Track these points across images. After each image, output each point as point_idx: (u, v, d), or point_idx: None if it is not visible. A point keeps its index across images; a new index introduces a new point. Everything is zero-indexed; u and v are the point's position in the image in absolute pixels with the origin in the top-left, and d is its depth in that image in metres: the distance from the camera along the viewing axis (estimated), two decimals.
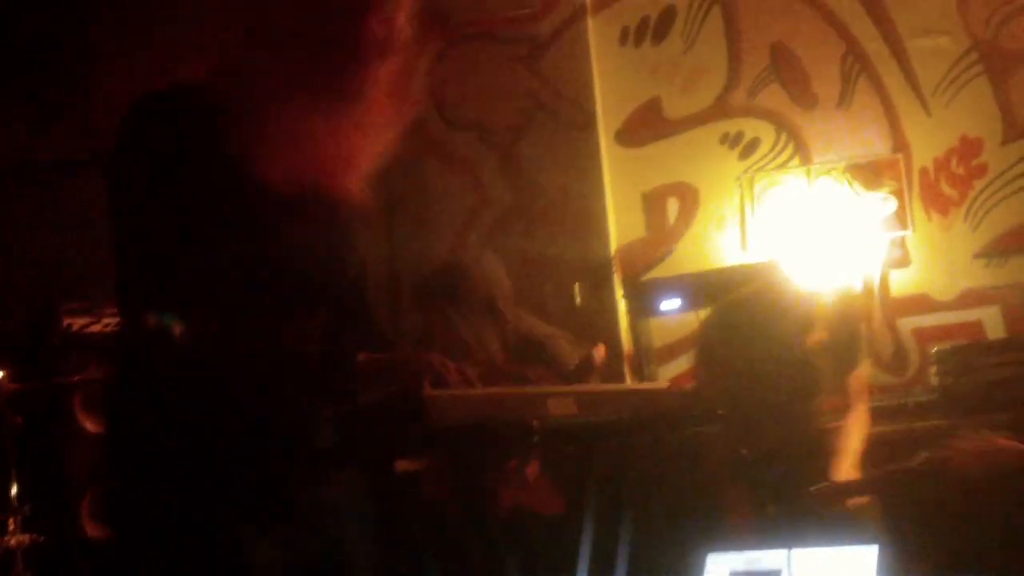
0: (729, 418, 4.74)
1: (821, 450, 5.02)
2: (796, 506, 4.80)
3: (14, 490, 5.63)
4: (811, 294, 5.06)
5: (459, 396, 2.52)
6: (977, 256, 6.80)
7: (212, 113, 2.48)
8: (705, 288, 6.57)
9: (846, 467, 5.02)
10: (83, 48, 7.46)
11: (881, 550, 4.06)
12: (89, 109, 7.25)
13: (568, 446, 3.36)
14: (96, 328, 6.28)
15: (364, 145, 2.57)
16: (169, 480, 2.49)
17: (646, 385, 4.75)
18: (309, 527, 2.62)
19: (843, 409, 5.19)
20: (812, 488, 4.86)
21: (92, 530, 6.14)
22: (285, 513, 2.58)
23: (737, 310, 5.15)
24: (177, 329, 2.45)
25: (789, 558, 4.09)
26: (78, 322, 6.28)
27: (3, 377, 5.66)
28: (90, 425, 6.17)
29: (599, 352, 5.11)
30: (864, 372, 5.28)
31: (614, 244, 7.18)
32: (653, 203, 7.26)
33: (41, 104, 7.48)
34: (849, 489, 4.94)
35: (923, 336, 6.79)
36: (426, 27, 2.62)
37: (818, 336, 5.03)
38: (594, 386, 3.00)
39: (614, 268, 7.13)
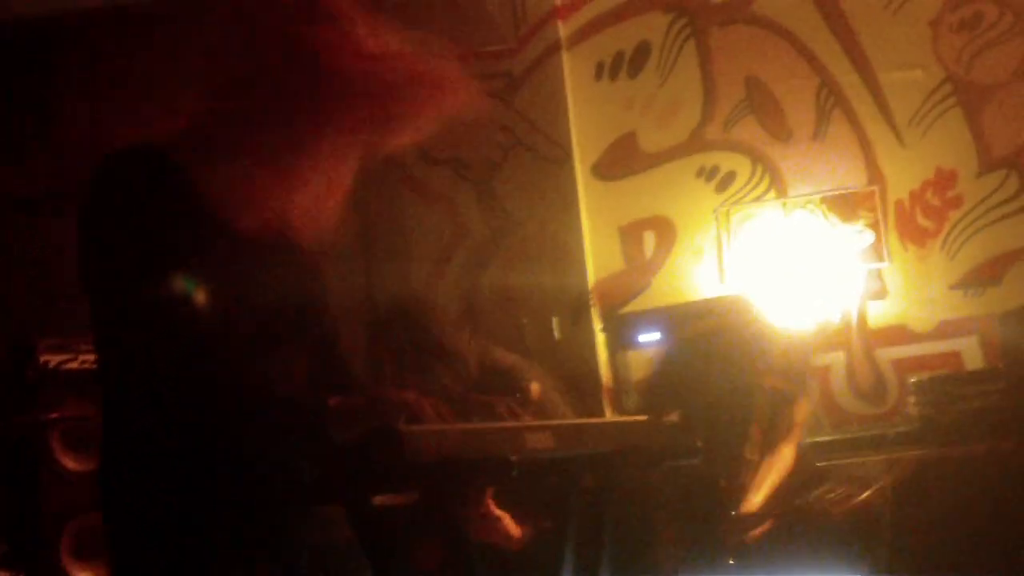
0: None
1: (742, 480, 5.06)
2: (708, 545, 4.85)
3: None
4: (767, 327, 5.07)
5: (436, 431, 2.51)
6: (954, 287, 6.82)
7: (175, 165, 2.49)
8: (683, 321, 6.58)
9: (755, 500, 5.05)
10: (48, 88, 7.47)
11: None
12: (57, 147, 7.26)
13: (546, 480, 3.37)
14: (74, 365, 6.24)
15: (333, 186, 2.57)
16: (153, 518, 2.50)
17: (625, 418, 4.74)
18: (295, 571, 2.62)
19: (773, 443, 5.22)
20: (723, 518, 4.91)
21: (71, 567, 6.11)
22: (269, 555, 2.58)
23: (693, 344, 5.17)
24: (152, 369, 2.46)
25: None
26: (55, 359, 6.25)
27: None
28: (68, 461, 6.15)
29: (535, 388, 5.09)
30: (803, 408, 5.30)
31: (592, 277, 7.19)
32: (630, 236, 7.27)
33: (10, 141, 7.47)
34: (750, 522, 4.97)
35: (902, 367, 6.81)
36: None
37: (768, 367, 5.05)
38: (573, 420, 3.00)
39: (592, 301, 7.13)
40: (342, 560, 2.72)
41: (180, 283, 2.46)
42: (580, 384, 6.71)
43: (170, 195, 2.48)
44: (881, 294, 6.91)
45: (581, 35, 7.35)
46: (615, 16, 7.34)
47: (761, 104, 7.15)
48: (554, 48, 7.31)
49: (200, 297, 2.46)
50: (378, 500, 2.65)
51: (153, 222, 2.48)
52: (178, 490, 2.49)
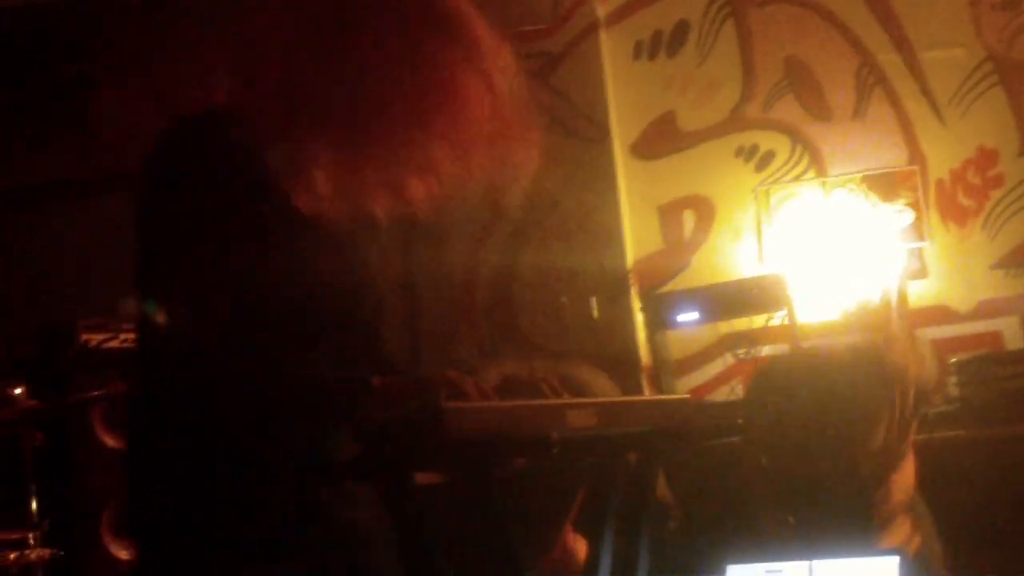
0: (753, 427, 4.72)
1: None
2: (819, 517, 4.77)
3: (34, 505, 5.65)
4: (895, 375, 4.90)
5: (477, 408, 2.51)
6: (995, 267, 6.79)
7: (238, 138, 2.48)
8: (721, 300, 6.58)
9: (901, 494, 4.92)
10: (82, 73, 7.51)
11: (902, 560, 4.04)
12: (91, 131, 7.29)
13: (587, 458, 3.36)
14: (114, 344, 6.28)
15: (391, 174, 2.57)
16: (189, 501, 2.50)
17: (667, 396, 4.73)
18: (334, 552, 2.63)
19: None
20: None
21: (112, 545, 6.15)
22: (308, 536, 2.59)
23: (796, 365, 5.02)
24: (201, 347, 2.46)
25: (811, 569, 4.08)
26: (95, 338, 6.29)
27: (21, 393, 5.67)
28: (109, 440, 6.18)
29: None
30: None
31: (630, 257, 7.19)
32: (669, 216, 7.26)
33: (44, 124, 7.51)
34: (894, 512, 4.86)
35: (941, 347, 6.78)
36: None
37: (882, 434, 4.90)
38: (615, 398, 3.00)
39: (630, 281, 7.12)
40: (369, 539, 2.73)
41: (239, 255, 2.46)
42: (618, 364, 6.71)
43: (237, 166, 2.47)
44: (921, 274, 6.89)
45: (619, 14, 7.34)
46: None
47: (801, 83, 7.13)
48: (592, 27, 7.29)
49: (255, 273, 2.46)
50: (417, 478, 2.65)
51: (219, 193, 2.47)
52: (211, 467, 2.49)
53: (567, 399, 2.76)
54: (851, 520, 4.68)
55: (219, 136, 2.50)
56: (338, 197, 2.54)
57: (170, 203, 2.50)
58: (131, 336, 6.06)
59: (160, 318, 2.50)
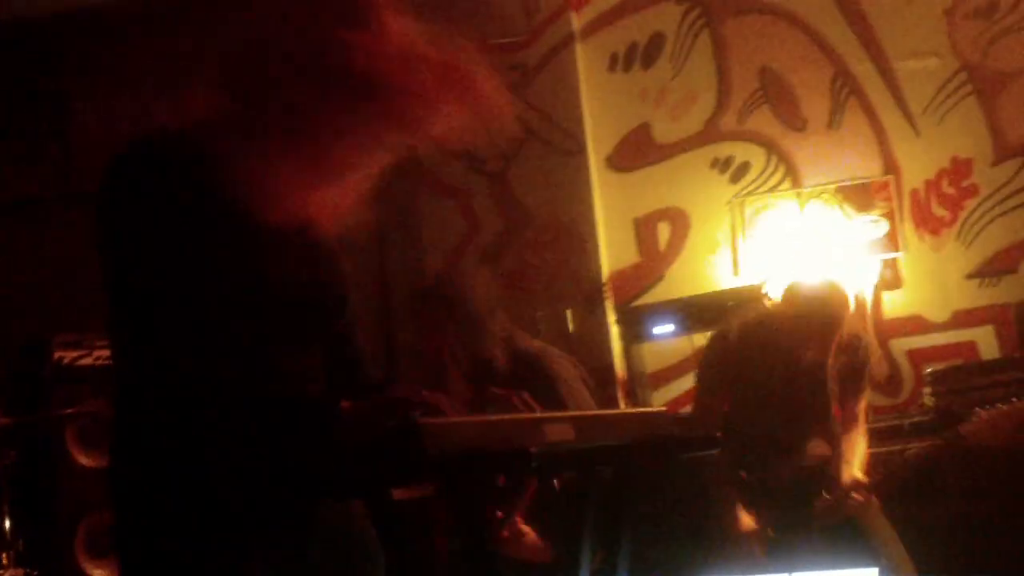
0: (729, 442, 4.74)
1: (822, 475, 4.99)
2: (796, 529, 4.78)
3: (7, 524, 5.61)
4: (822, 314, 4.99)
5: (454, 424, 2.50)
6: (970, 276, 6.80)
7: (197, 156, 2.48)
8: (697, 312, 6.57)
9: (853, 470, 4.97)
10: (61, 88, 7.49)
11: (881, 572, 4.05)
12: (70, 146, 7.27)
13: (565, 472, 3.36)
14: (88, 361, 6.26)
15: (358, 184, 2.56)
16: (170, 514, 2.49)
17: (644, 409, 4.72)
18: (329, 563, 2.63)
19: (853, 415, 5.15)
20: (815, 502, 4.84)
21: (86, 564, 6.12)
22: (282, 545, 2.58)
23: (745, 333, 5.12)
24: (167, 362, 2.45)
25: None
26: (70, 355, 6.27)
27: None
28: (83, 458, 6.16)
29: (562, 375, 5.00)
30: (866, 395, 5.26)
31: (606, 269, 7.18)
32: (644, 228, 7.26)
33: (23, 142, 7.49)
34: (853, 490, 4.88)
35: (917, 357, 6.79)
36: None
37: (831, 358, 5.00)
38: (592, 411, 2.99)
39: (606, 293, 7.12)
40: (356, 548, 2.72)
41: (201, 274, 2.45)
42: (595, 376, 6.70)
43: (194, 183, 2.46)
44: (896, 283, 6.90)
45: (595, 26, 7.34)
46: (629, 7, 7.33)
47: (775, 94, 7.14)
48: (568, 40, 7.29)
49: (221, 289, 2.46)
50: (396, 493, 2.63)
51: (176, 210, 2.46)
52: (188, 483, 2.48)
53: (544, 413, 2.75)
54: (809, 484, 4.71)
55: (172, 152, 2.50)
56: (307, 208, 2.52)
57: (122, 224, 2.50)
58: (105, 353, 6.07)
59: (128, 335, 2.50)
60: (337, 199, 2.53)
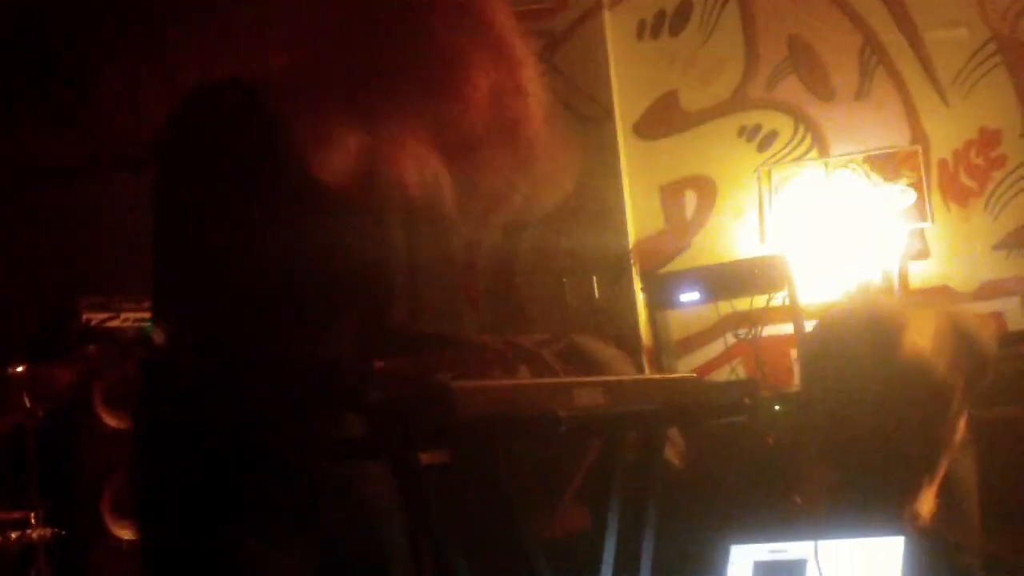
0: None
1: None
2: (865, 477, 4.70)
3: (35, 485, 5.64)
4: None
5: (484, 387, 2.50)
6: (997, 247, 6.78)
7: (262, 107, 2.48)
8: (723, 281, 6.57)
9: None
10: (89, 53, 7.49)
11: (907, 540, 4.05)
12: (97, 112, 7.28)
13: (595, 436, 3.36)
14: (115, 323, 6.28)
15: (413, 155, 2.56)
16: (199, 478, 2.50)
17: (674, 375, 4.72)
18: (347, 526, 2.64)
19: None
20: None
21: (112, 524, 6.15)
22: (319, 512, 2.60)
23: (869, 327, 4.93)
24: (204, 315, 2.46)
25: (815, 548, 4.08)
26: (97, 317, 6.29)
27: (23, 372, 5.66)
28: (110, 419, 6.18)
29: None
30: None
31: (632, 237, 7.18)
32: (671, 196, 7.25)
33: (50, 107, 7.50)
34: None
35: None
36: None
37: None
38: (622, 376, 2.99)
39: (632, 261, 7.12)
40: (374, 527, 2.73)
41: (253, 226, 2.45)
42: (620, 343, 6.71)
43: (255, 131, 2.46)
44: (923, 254, 6.88)
45: None
46: None
47: (804, 63, 7.11)
48: (596, 7, 7.29)
49: (268, 244, 2.46)
50: (424, 457, 2.64)
51: (236, 156, 2.46)
52: (216, 444, 2.49)
53: (574, 377, 2.75)
54: (895, 483, 4.62)
55: (238, 103, 2.49)
56: (364, 172, 2.53)
57: (185, 168, 2.49)
58: (133, 315, 6.10)
59: (174, 289, 2.50)
60: (394, 166, 2.53)
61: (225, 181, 2.45)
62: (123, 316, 6.24)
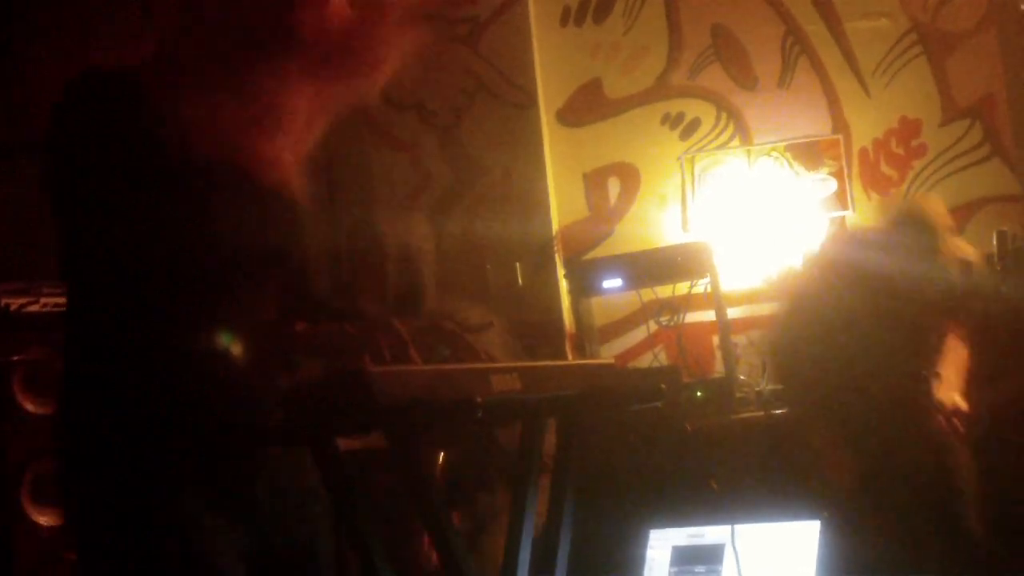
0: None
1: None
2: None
3: None
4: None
5: (402, 372, 2.51)
6: None
7: (143, 94, 2.49)
8: (646, 268, 6.58)
9: (949, 396, 4.76)
10: (11, 35, 7.41)
11: (823, 525, 4.09)
12: (17, 95, 7.21)
13: (511, 423, 3.37)
14: (35, 308, 6.22)
15: (302, 132, 2.57)
16: (116, 466, 2.49)
17: (591, 361, 4.74)
18: (275, 499, 2.65)
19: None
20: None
21: (33, 512, 6.10)
22: (242, 501, 2.60)
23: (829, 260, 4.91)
24: (114, 300, 2.46)
25: (732, 533, 4.12)
26: (16, 302, 6.22)
27: None
28: (29, 405, 6.13)
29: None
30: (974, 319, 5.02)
31: (556, 223, 7.19)
32: (594, 183, 7.27)
33: None
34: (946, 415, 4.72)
35: None
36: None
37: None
38: (538, 362, 3.00)
39: (556, 247, 7.13)
40: (303, 503, 2.73)
41: (146, 210, 2.45)
42: (543, 330, 6.73)
43: (138, 118, 2.47)
44: None
45: None
46: None
47: (727, 51, 7.15)
48: None
49: (166, 227, 2.46)
50: (342, 443, 2.65)
51: (121, 145, 2.47)
52: (136, 429, 2.48)
53: (491, 363, 2.76)
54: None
55: (120, 91, 2.51)
56: (251, 156, 2.53)
57: (72, 159, 2.50)
58: (52, 300, 6.03)
59: (83, 277, 2.50)
60: (284, 146, 2.54)
61: (113, 170, 2.45)
62: (43, 301, 6.18)
